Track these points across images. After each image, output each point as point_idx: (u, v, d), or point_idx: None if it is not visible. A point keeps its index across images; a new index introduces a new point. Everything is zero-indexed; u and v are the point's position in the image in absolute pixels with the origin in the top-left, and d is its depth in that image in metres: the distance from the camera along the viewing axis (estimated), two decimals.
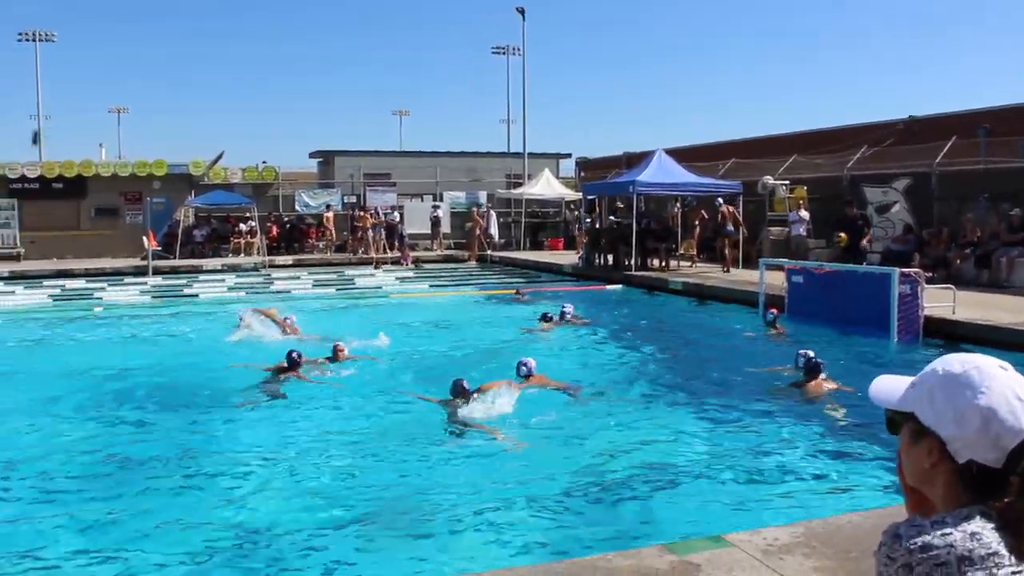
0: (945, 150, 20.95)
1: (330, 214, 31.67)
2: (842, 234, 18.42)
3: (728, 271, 22.32)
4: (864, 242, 18.50)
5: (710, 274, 21.96)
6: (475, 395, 9.68)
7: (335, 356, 12.42)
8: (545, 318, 15.74)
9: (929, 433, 1.42)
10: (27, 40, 43.10)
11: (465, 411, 9.38)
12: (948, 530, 1.31)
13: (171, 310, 19.75)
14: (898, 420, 1.50)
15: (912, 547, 1.31)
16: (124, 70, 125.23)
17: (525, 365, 10.81)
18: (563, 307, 16.17)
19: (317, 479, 7.62)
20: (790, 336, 14.47)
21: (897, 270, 14.11)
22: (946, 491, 1.41)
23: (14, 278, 24.63)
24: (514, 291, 20.03)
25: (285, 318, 15.56)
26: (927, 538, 1.30)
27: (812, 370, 10.36)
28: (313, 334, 14.89)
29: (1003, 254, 18.12)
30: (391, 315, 18.44)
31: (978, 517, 1.32)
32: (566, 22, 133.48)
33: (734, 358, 12.99)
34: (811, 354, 10.71)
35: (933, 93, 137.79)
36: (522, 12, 36.35)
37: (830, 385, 10.29)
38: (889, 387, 1.53)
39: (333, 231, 31.45)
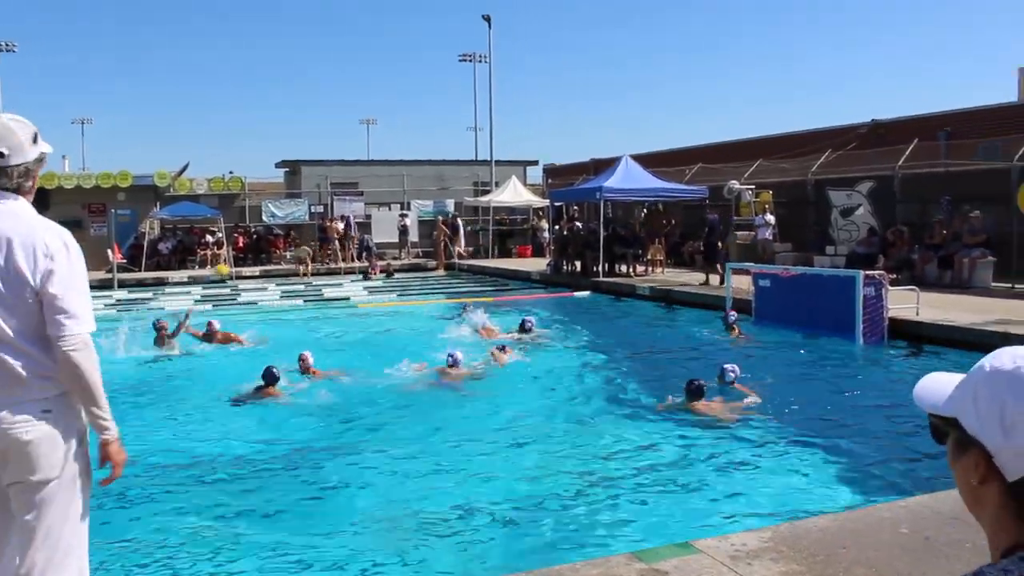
0: (907, 153, 21.24)
1: (308, 251, 29.37)
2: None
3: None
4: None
5: (671, 280, 22.09)
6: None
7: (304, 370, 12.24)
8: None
9: (975, 443, 1.17)
10: None
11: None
12: None
13: (135, 323, 19.42)
14: (943, 428, 1.24)
15: None
16: (87, 80, 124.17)
17: (452, 356, 11.88)
18: (524, 319, 15.91)
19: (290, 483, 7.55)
20: (752, 339, 14.60)
21: (861, 272, 14.24)
22: (995, 517, 1.15)
23: None
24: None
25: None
26: None
27: (693, 393, 9.69)
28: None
29: (965, 255, 18.37)
30: (358, 326, 18.33)
31: None
32: (532, 29, 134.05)
33: (695, 365, 12.98)
34: (737, 370, 10.41)
35: (896, 97, 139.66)
36: (488, 20, 36.48)
37: (715, 407, 9.70)
38: (936, 387, 1.26)
39: (310, 265, 28.70)
